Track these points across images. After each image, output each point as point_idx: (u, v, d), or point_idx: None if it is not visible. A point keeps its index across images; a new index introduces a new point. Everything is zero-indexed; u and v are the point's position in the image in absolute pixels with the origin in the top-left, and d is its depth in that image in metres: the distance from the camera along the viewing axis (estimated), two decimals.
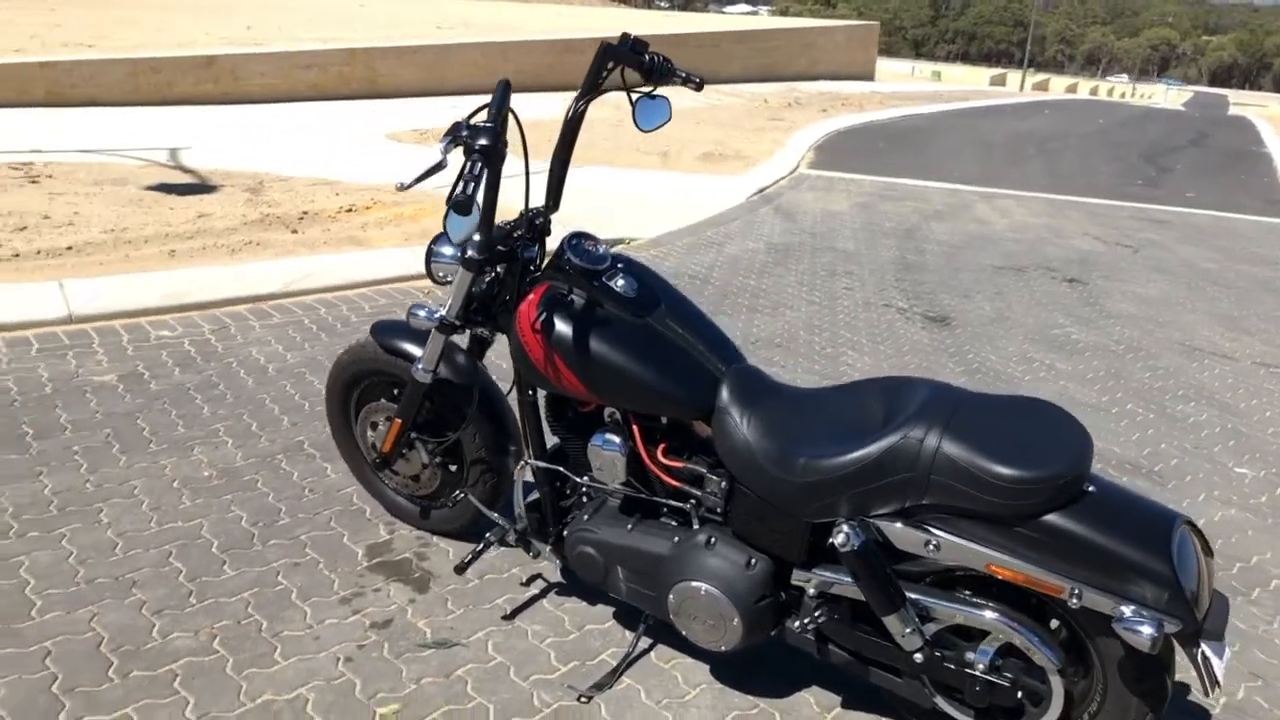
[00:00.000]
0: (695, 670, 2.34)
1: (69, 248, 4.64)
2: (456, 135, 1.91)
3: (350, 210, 5.85)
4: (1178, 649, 1.84)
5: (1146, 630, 1.71)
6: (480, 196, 1.90)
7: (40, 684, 2.09)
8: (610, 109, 12.70)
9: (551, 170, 2.26)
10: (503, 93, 2.01)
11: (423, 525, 2.77)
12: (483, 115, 1.99)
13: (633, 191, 7.81)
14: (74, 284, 4.25)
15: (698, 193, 8.11)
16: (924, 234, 7.54)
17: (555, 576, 2.63)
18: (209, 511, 2.80)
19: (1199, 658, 1.77)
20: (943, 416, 1.86)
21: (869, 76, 24.25)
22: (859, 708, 2.26)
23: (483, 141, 1.88)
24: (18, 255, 4.47)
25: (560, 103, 12.75)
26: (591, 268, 2.16)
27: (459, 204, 1.80)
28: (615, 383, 2.08)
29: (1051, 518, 1.79)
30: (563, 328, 2.10)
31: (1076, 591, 1.79)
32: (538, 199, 2.29)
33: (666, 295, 2.23)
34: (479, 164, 1.86)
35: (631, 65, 2.26)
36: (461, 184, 1.82)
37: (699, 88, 2.39)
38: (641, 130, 2.34)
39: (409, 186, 1.91)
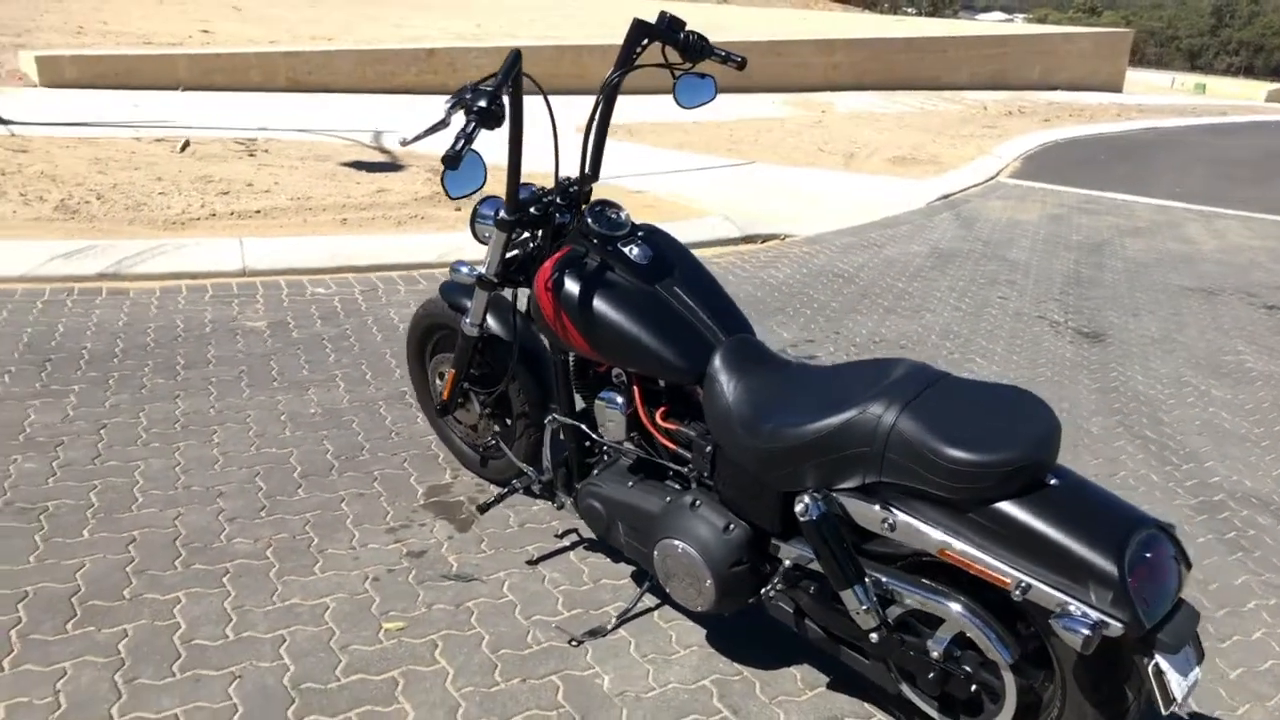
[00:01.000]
0: (690, 632, 2.41)
1: (258, 211, 5.20)
2: (460, 97, 2.08)
3: None
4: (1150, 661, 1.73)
5: (1081, 629, 1.65)
6: (468, 152, 2.05)
7: (118, 564, 2.44)
8: (799, 108, 12.64)
9: (587, 141, 2.38)
10: (511, 62, 2.16)
11: (481, 474, 2.97)
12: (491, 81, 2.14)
13: (805, 190, 7.79)
14: (252, 242, 4.77)
15: (875, 195, 7.97)
16: (1113, 249, 7.09)
17: (588, 532, 2.76)
18: (303, 443, 3.12)
19: (1150, 669, 1.69)
20: (906, 395, 1.86)
21: (1115, 88, 22.71)
22: (842, 690, 2.26)
23: (480, 104, 2.04)
24: (214, 215, 5.07)
25: (763, 102, 12.80)
26: (609, 234, 2.28)
27: (447, 158, 1.97)
28: (613, 342, 2.19)
29: (1004, 506, 1.75)
30: (571, 287, 2.23)
31: (1023, 585, 1.74)
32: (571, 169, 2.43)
33: (682, 266, 2.31)
34: (473, 124, 2.03)
35: (666, 42, 2.36)
36: (454, 140, 1.99)
37: (741, 66, 2.45)
38: (682, 107, 2.44)
39: (411, 142, 2.10)
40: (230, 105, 8.20)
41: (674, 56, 2.41)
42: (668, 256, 2.31)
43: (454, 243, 5.14)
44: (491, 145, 2.28)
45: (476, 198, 2.44)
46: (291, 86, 9.48)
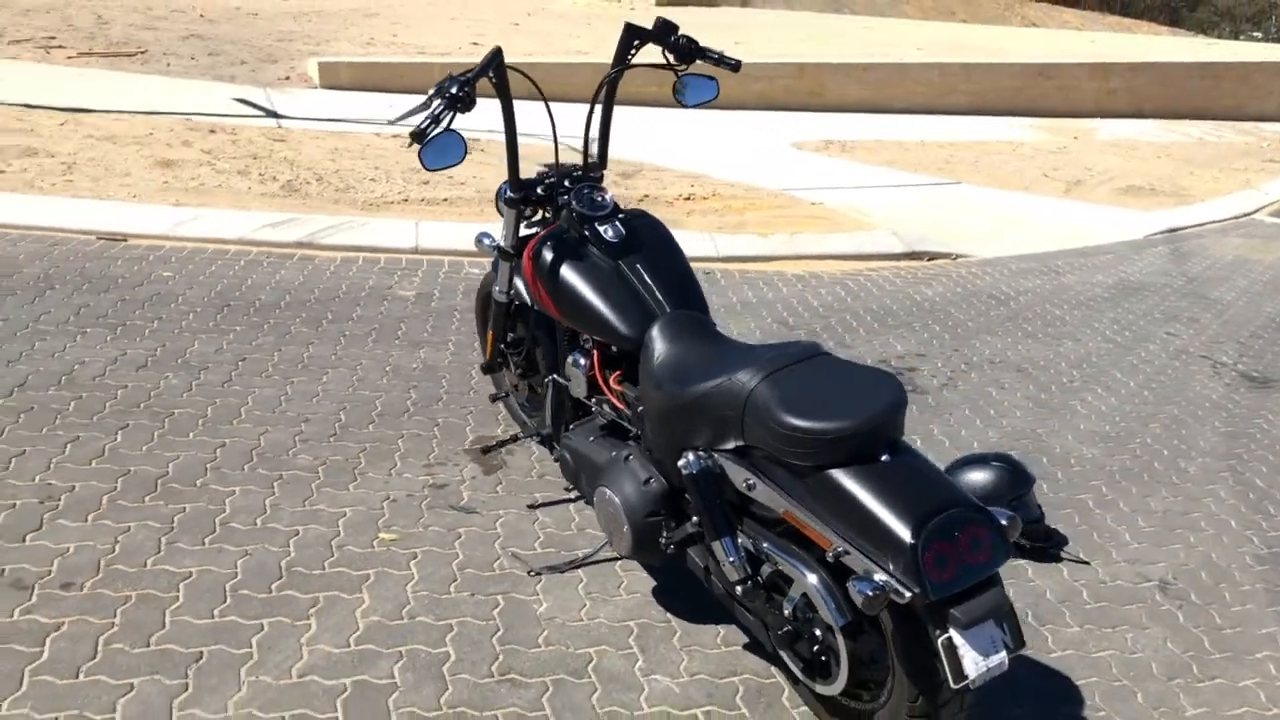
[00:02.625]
0: (642, 583, 2.64)
1: (445, 199, 5.88)
2: (440, 84, 2.44)
3: (688, 198, 6.53)
4: (964, 643, 1.81)
5: (866, 590, 1.76)
6: (435, 131, 2.41)
7: (203, 461, 3.02)
8: (1048, 133, 12.03)
9: (588, 133, 2.69)
10: (490, 58, 2.50)
11: (524, 431, 3.33)
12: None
13: (1004, 213, 7.56)
14: (428, 225, 5.42)
15: (1084, 223, 7.60)
16: None
17: None
18: (392, 390, 3.62)
19: (941, 642, 1.77)
20: (774, 366, 2.02)
21: None
22: (755, 652, 2.42)
23: (451, 90, 2.40)
24: (406, 200, 5.79)
25: (1009, 126, 12.34)
26: (589, 213, 2.57)
27: (413, 134, 2.35)
28: (572, 307, 2.48)
29: (834, 473, 1.88)
30: (546, 256, 2.54)
31: (841, 549, 1.87)
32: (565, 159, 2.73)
33: (654, 249, 2.56)
34: (441, 107, 2.39)
35: (656, 44, 2.62)
36: (423, 120, 2.36)
37: (735, 69, 2.66)
38: (685, 106, 2.68)
39: (395, 121, 2.49)
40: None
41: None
42: (642, 239, 2.57)
43: None
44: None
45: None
46: (527, 95, 10.32)
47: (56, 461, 2.92)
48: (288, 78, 9.09)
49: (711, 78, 2.69)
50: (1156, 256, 6.99)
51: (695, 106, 2.71)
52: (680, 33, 2.65)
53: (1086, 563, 2.98)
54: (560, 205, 2.72)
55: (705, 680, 2.32)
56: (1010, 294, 5.66)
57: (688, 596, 2.57)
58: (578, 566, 2.68)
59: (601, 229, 2.55)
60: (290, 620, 2.37)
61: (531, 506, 2.95)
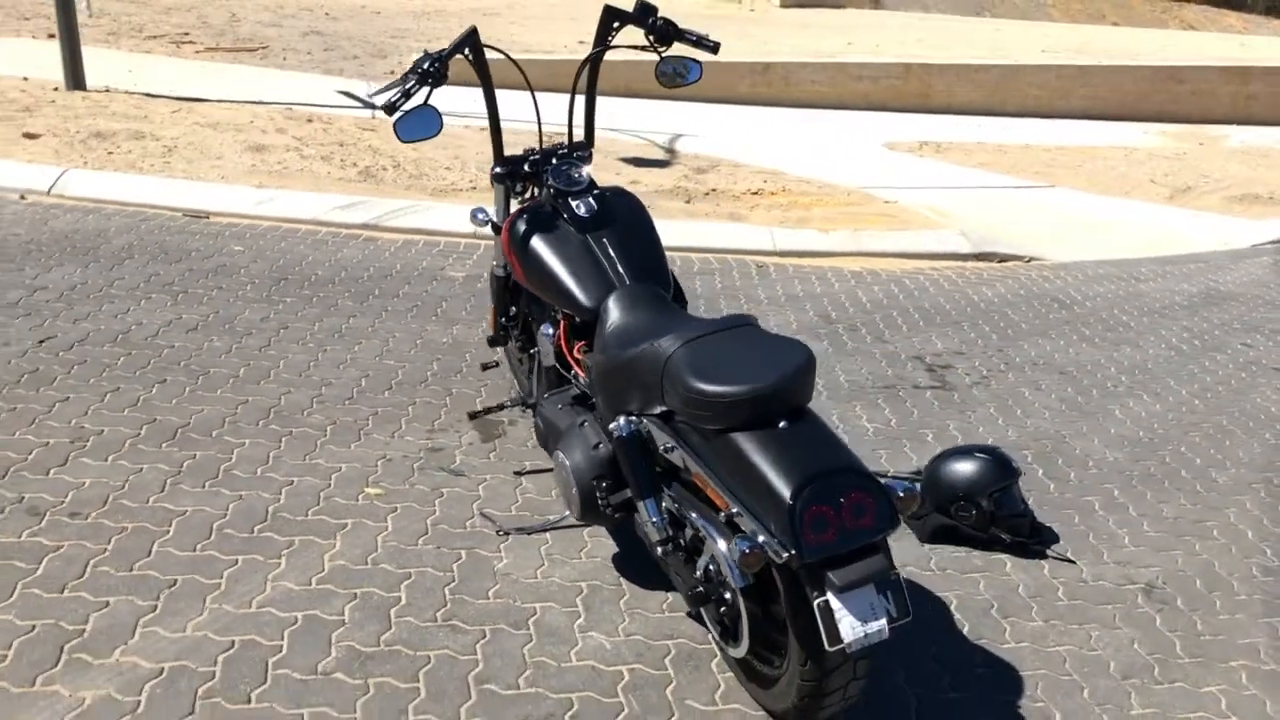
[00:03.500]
0: (604, 547, 2.73)
1: (474, 187, 6.07)
2: (416, 61, 2.58)
3: (755, 193, 6.55)
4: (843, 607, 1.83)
5: (743, 547, 1.81)
6: (408, 104, 2.54)
7: (222, 415, 3.26)
8: (1172, 139, 11.47)
9: (572, 112, 2.79)
10: (465, 36, 2.62)
11: (527, 404, 3.46)
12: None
13: (1095, 218, 7.30)
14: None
15: (1183, 230, 7.27)
16: None
17: None
18: (417, 361, 3.80)
19: (817, 604, 1.80)
20: (695, 333, 2.08)
21: None
22: (697, 618, 2.47)
23: (425, 65, 2.53)
24: (475, 188, 6.00)
25: (1129, 130, 11.83)
26: (563, 188, 2.68)
27: (384, 106, 2.49)
28: (538, 277, 2.59)
29: (733, 436, 1.94)
30: (519, 228, 2.66)
31: (735, 510, 1.92)
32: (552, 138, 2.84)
33: (625, 226, 2.64)
34: (413, 81, 2.52)
35: (636, 25, 2.70)
36: (393, 92, 2.50)
37: (714, 50, 2.73)
38: (664, 87, 2.76)
39: (373, 95, 2.64)
40: (561, 106, 9.32)
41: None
42: (614, 214, 2.66)
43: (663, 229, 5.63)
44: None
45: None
46: (627, 93, 10.48)
47: (94, 408, 3.20)
48: (393, 72, 9.49)
49: (695, 61, 2.75)
50: (1256, 267, 6.63)
51: (675, 87, 2.77)
52: (659, 15, 2.73)
53: (1072, 562, 2.91)
54: (543, 181, 2.83)
55: (639, 641, 2.39)
56: (1076, 298, 5.48)
57: (646, 564, 2.64)
58: (547, 530, 2.78)
59: (574, 204, 2.65)
60: (263, 558, 2.55)
61: (518, 473, 3.07)
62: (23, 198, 5.27)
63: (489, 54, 2.82)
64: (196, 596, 2.39)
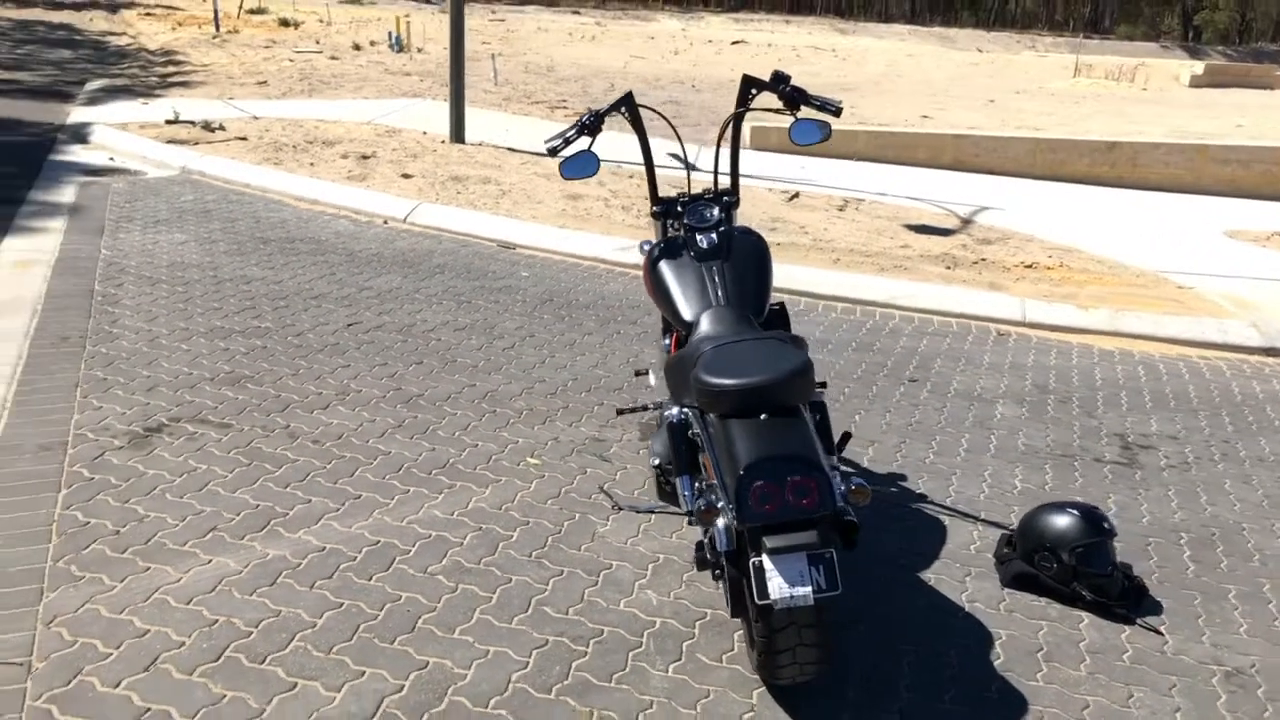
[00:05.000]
0: (697, 532, 3.16)
1: (777, 244, 6.58)
2: (581, 116, 3.20)
3: (1029, 266, 6.53)
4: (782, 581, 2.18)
5: (699, 503, 2.22)
6: (568, 150, 3.15)
7: (449, 391, 4.08)
8: None
9: (717, 166, 3.29)
10: (621, 99, 3.20)
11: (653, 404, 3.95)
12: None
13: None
14: None
15: None
16: None
17: None
18: (620, 374, 4.43)
19: (752, 563, 2.17)
20: (728, 339, 2.51)
21: None
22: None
23: (585, 119, 3.15)
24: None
25: None
26: (694, 224, 3.18)
27: (549, 149, 3.13)
28: (657, 294, 3.11)
29: (727, 421, 2.35)
30: (654, 255, 3.20)
31: (714, 481, 2.33)
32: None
33: (737, 259, 3.08)
34: (574, 131, 3.14)
35: (770, 91, 3.14)
36: (554, 139, 3.13)
37: (836, 114, 3.11)
38: (796, 144, 3.19)
39: (546, 143, 3.28)
40: (881, 175, 9.64)
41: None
42: (732, 249, 3.11)
43: (904, 290, 5.85)
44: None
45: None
46: (955, 165, 10.57)
47: (361, 374, 4.17)
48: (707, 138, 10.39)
49: (825, 122, 3.15)
50: None
51: (805, 145, 3.17)
52: (790, 82, 3.16)
53: (1159, 632, 2.88)
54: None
55: (683, 605, 2.80)
56: None
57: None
58: (653, 512, 3.26)
59: (699, 238, 3.13)
60: (428, 492, 3.29)
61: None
62: (385, 222, 6.64)
63: (644, 112, 3.36)
64: (370, 509, 3.16)
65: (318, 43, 17.23)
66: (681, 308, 2.97)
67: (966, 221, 7.97)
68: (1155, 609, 2.99)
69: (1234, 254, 7.66)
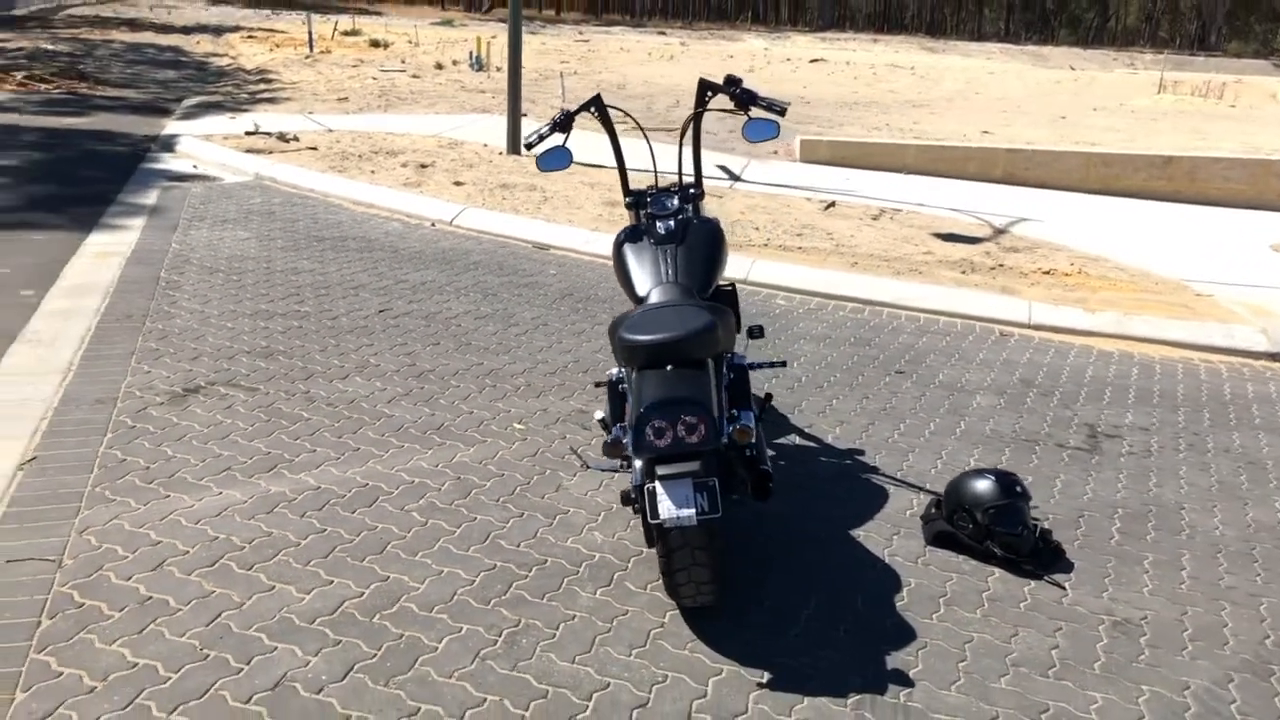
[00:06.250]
0: None
1: (800, 248, 6.89)
2: (554, 115, 3.60)
3: (1047, 273, 6.70)
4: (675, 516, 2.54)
5: (608, 437, 2.59)
6: (542, 146, 3.55)
7: (457, 368, 4.52)
8: None
9: (681, 160, 3.65)
10: (591, 100, 3.58)
11: None
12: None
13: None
14: (763, 264, 6.49)
15: None
16: None
17: None
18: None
19: (645, 489, 2.53)
20: (652, 305, 2.88)
21: None
22: None
23: (557, 117, 3.55)
24: (766, 244, 6.92)
25: None
26: (654, 213, 3.55)
27: (525, 144, 3.54)
28: (618, 273, 3.49)
29: (641, 372, 2.72)
30: (619, 240, 3.58)
31: (627, 423, 2.70)
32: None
33: (690, 243, 3.44)
34: (549, 128, 3.54)
35: (722, 93, 3.50)
36: (534, 134, 3.54)
37: (781, 113, 3.45)
38: (749, 141, 3.54)
39: (526, 138, 3.68)
40: (926, 187, 9.82)
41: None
42: (687, 235, 3.47)
43: (914, 293, 6.10)
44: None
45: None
46: (1006, 179, 10.68)
47: (381, 351, 4.64)
48: (776, 151, 10.71)
49: (774, 121, 3.49)
50: None
51: (757, 142, 3.52)
52: (741, 86, 3.51)
53: (1061, 587, 3.12)
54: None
55: (624, 544, 3.16)
56: None
57: None
58: (617, 471, 3.62)
59: (658, 224, 3.50)
60: (420, 447, 3.72)
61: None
62: (433, 224, 7.17)
63: (613, 112, 3.73)
64: (366, 459, 3.60)
65: (403, 62, 18.11)
66: (637, 284, 3.34)
67: (1000, 231, 8.13)
68: (1067, 569, 3.23)
69: (1273, 266, 7.66)
